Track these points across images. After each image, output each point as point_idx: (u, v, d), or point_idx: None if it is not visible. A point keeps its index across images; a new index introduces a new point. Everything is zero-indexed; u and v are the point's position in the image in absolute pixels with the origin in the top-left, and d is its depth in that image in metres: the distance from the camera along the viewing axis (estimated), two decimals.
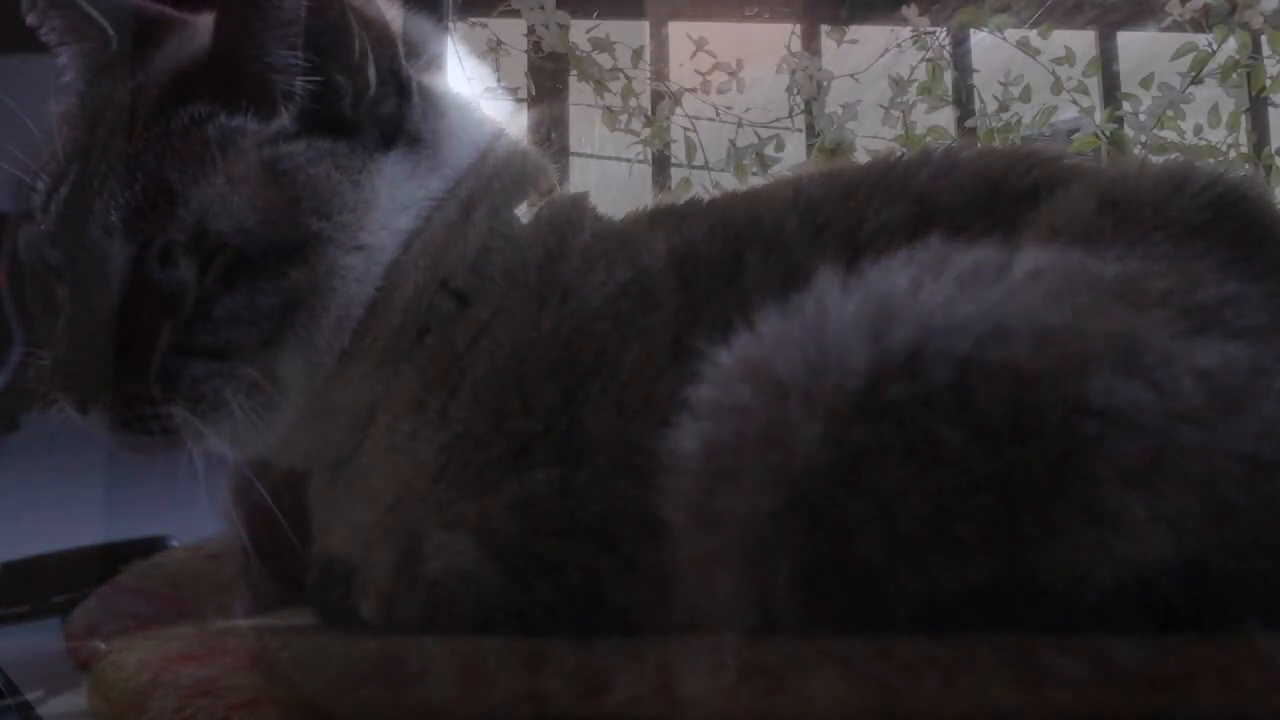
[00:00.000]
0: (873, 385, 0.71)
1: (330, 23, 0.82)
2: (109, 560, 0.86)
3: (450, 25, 1.73)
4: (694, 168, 2.02)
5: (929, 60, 2.08)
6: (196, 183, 0.79)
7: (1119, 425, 0.74)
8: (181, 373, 0.79)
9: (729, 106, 2.03)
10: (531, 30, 1.98)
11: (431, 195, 0.88)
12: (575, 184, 1.18)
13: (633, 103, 2.03)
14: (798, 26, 2.09)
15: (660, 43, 2.06)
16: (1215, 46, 2.07)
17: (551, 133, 1.98)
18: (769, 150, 2.01)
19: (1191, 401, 0.74)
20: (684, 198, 1.00)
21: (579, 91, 2.03)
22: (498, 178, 0.93)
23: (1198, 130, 2.07)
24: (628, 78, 2.03)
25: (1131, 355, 0.76)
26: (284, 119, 0.84)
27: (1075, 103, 2.08)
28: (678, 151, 2.03)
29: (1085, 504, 0.79)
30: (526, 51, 2.01)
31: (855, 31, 2.09)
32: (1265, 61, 2.06)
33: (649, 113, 2.03)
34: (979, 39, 2.11)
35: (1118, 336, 0.77)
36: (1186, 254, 0.81)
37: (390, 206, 0.86)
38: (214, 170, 0.81)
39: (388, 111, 0.88)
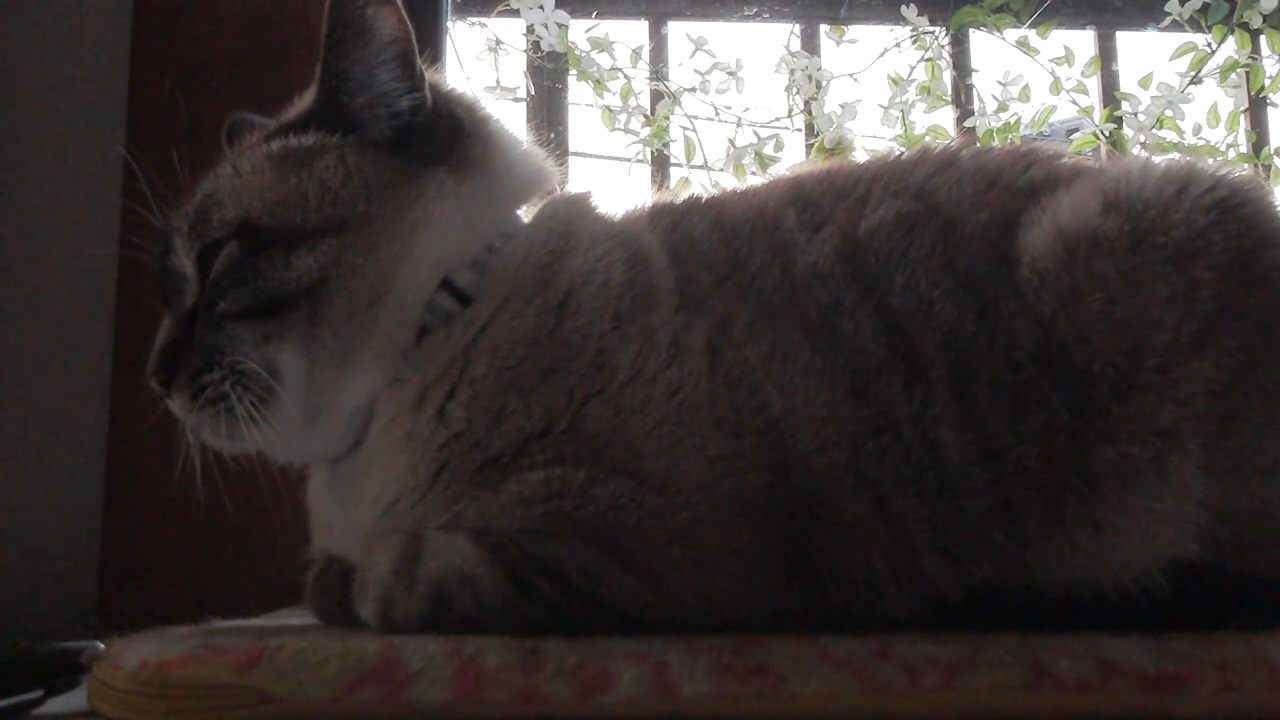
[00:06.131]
0: None
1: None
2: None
3: (449, 24, 1.73)
4: (693, 167, 2.03)
5: (928, 60, 2.08)
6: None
7: None
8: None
9: (728, 106, 2.03)
10: (531, 30, 1.98)
11: (435, 193, 0.88)
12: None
13: (632, 102, 2.03)
14: (797, 26, 2.09)
15: (660, 42, 2.06)
16: (1214, 46, 2.07)
17: (551, 133, 1.98)
18: (768, 150, 2.01)
19: None
20: (683, 197, 1.00)
21: (579, 91, 2.03)
22: (502, 177, 0.93)
23: (1197, 130, 2.07)
24: (627, 77, 2.03)
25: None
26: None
27: (1074, 103, 2.08)
28: (677, 151, 2.03)
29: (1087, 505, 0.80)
30: (526, 51, 2.01)
31: (854, 31, 2.09)
32: (1264, 61, 2.07)
33: (648, 112, 2.03)
34: (978, 39, 2.11)
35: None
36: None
37: (394, 203, 0.86)
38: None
39: (397, 110, 0.89)
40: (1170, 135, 2.05)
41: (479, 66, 2.01)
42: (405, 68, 0.89)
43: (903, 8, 2.02)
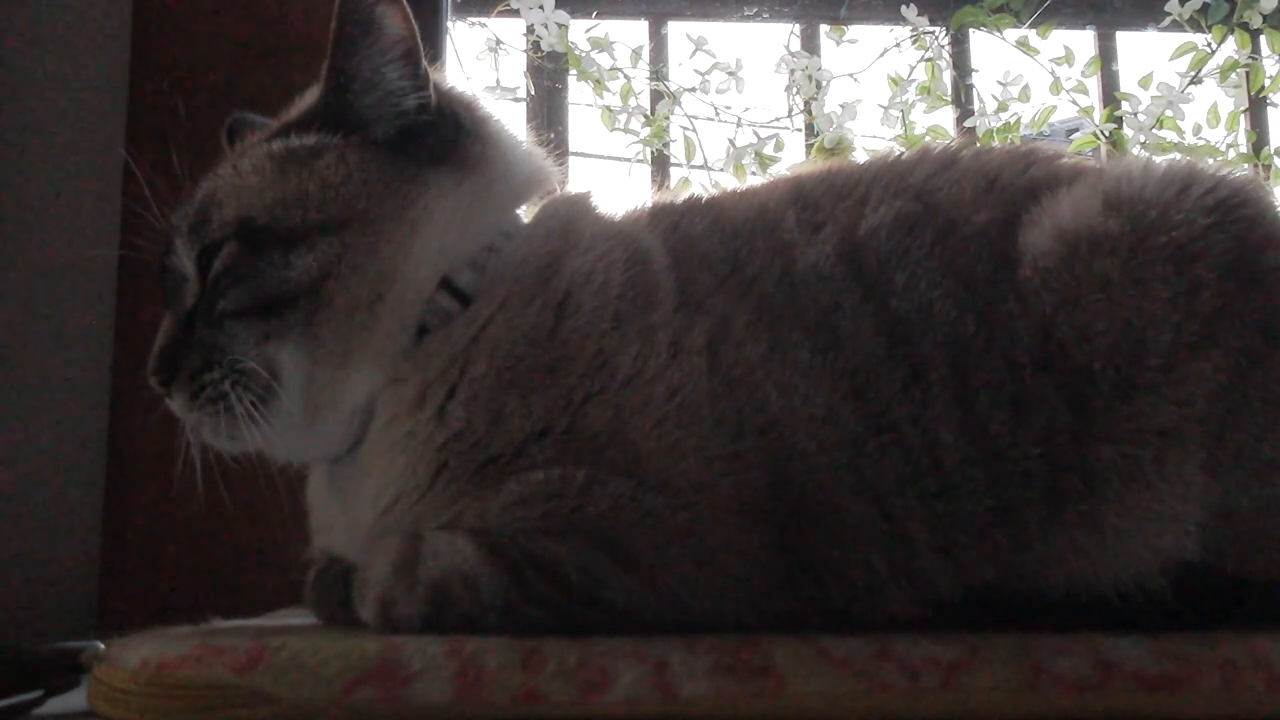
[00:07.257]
0: None
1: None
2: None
3: (449, 24, 1.73)
4: (693, 167, 2.03)
5: (928, 60, 2.08)
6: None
7: None
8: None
9: (728, 106, 2.03)
10: (531, 30, 1.98)
11: (436, 192, 0.88)
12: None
13: (632, 102, 2.03)
14: (797, 26, 2.10)
15: (660, 42, 2.06)
16: (1214, 46, 2.07)
17: (551, 133, 1.98)
18: (768, 150, 2.02)
19: None
20: (683, 197, 1.00)
21: (579, 91, 2.03)
22: (501, 177, 0.93)
23: (1197, 130, 2.07)
24: (627, 77, 2.03)
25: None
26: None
27: (1074, 103, 2.09)
28: (677, 151, 2.03)
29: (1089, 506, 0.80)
30: (526, 51, 2.01)
31: (854, 31, 2.09)
32: (1264, 61, 2.07)
33: (648, 112, 2.03)
34: (978, 39, 2.11)
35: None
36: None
37: (395, 202, 0.86)
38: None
39: (403, 109, 0.89)
40: (1170, 135, 2.05)
41: (479, 66, 2.01)
42: (411, 66, 0.89)
43: (903, 8, 2.02)
